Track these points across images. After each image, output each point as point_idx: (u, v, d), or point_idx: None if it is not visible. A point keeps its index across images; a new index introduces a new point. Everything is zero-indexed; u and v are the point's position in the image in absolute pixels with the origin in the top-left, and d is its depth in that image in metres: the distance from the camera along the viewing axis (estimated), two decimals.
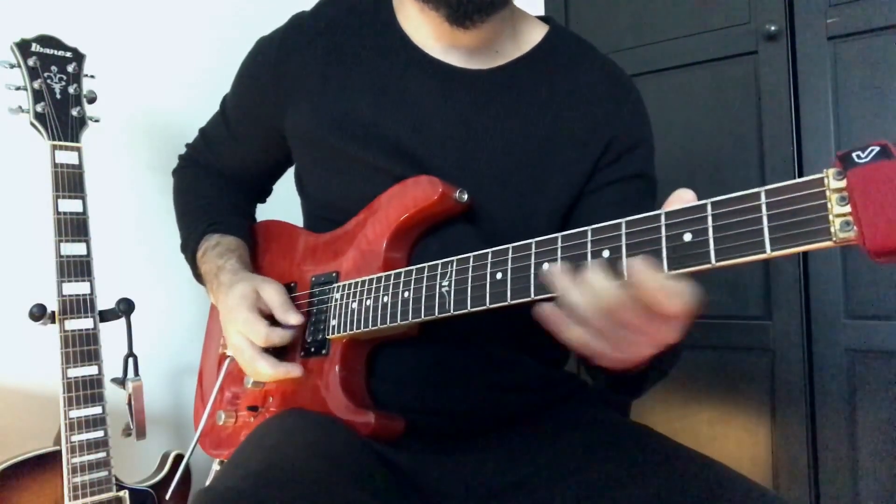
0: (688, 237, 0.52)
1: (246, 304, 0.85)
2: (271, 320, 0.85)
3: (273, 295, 0.86)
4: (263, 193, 1.16)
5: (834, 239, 0.45)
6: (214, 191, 1.07)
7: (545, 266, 0.59)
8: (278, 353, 0.86)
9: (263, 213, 1.14)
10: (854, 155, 0.45)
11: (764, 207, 0.49)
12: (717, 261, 0.50)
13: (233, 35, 1.54)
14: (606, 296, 0.52)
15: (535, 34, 0.92)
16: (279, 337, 0.83)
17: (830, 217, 0.45)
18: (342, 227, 0.89)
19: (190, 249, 1.02)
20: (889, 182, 0.43)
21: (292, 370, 0.83)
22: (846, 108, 1.37)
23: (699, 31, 1.54)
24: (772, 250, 0.48)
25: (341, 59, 0.89)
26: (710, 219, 0.51)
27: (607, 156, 0.87)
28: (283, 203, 1.14)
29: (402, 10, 0.91)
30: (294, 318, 0.84)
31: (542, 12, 1.74)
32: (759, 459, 1.45)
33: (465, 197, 0.79)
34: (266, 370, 0.83)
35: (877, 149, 0.44)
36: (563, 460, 0.76)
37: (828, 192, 0.46)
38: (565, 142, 0.86)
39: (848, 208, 0.44)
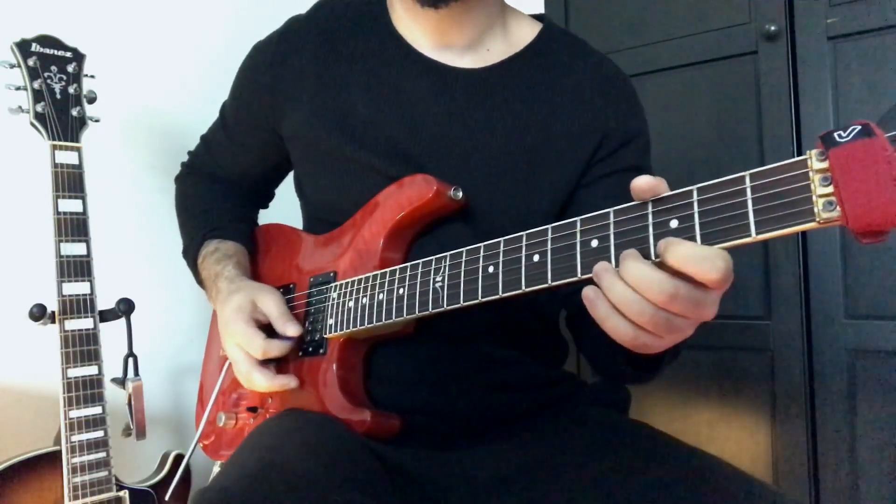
0: (674, 224, 0.52)
1: (242, 316, 0.85)
2: (268, 330, 0.85)
3: (271, 305, 0.85)
4: (265, 198, 1.16)
5: (818, 220, 0.45)
6: (215, 197, 1.08)
7: (596, 266, 0.55)
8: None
9: (265, 216, 1.15)
10: (836, 134, 0.45)
11: (748, 191, 0.49)
12: (705, 246, 0.50)
13: (232, 35, 1.55)
14: (651, 285, 0.50)
15: (527, 33, 0.92)
16: (277, 349, 0.83)
17: (814, 198, 0.45)
18: (340, 228, 0.89)
19: (191, 256, 1.03)
20: (869, 160, 0.43)
21: (288, 382, 0.83)
22: (846, 108, 1.37)
23: (699, 31, 1.54)
24: (757, 233, 0.48)
25: (337, 61, 0.89)
26: (695, 204, 0.51)
27: (602, 150, 0.87)
28: (284, 206, 1.14)
29: (394, 10, 0.91)
30: (292, 330, 0.83)
31: (541, 12, 1.75)
32: (759, 459, 1.45)
33: (460, 195, 0.80)
34: (262, 383, 0.83)
35: (858, 128, 0.44)
36: (560, 458, 0.76)
37: (811, 173, 0.46)
38: (560, 138, 0.86)
39: (831, 188, 0.44)
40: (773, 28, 1.41)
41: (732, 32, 1.49)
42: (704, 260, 0.49)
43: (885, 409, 1.32)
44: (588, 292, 0.55)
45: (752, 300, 1.46)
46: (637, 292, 0.51)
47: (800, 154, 1.46)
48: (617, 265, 0.54)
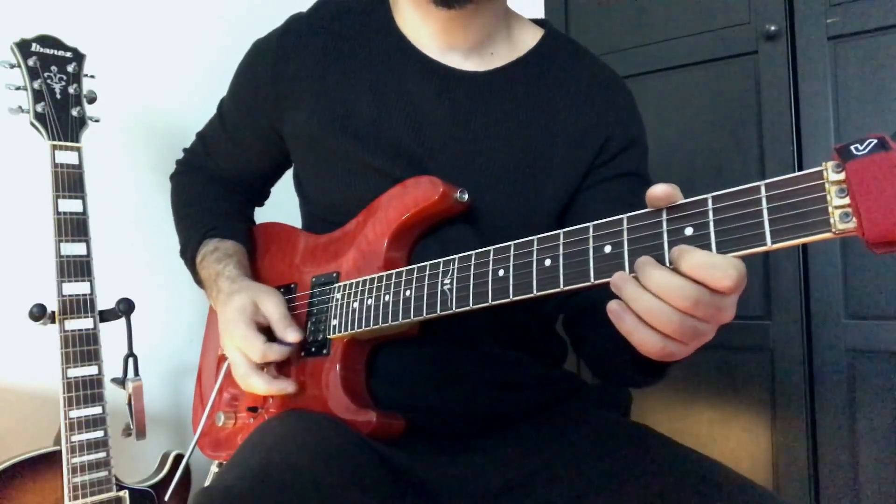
0: (689, 231, 0.53)
1: (244, 318, 0.84)
2: (269, 332, 0.85)
3: (272, 308, 0.85)
4: (262, 196, 1.16)
5: (833, 230, 0.46)
6: (212, 195, 1.07)
7: (614, 276, 0.55)
8: None
9: (262, 215, 1.14)
10: (852, 147, 0.46)
11: (764, 201, 0.49)
12: (718, 254, 0.51)
13: (232, 35, 1.54)
14: (673, 290, 0.50)
15: (530, 38, 0.93)
16: (276, 353, 0.83)
17: (830, 209, 0.46)
18: (342, 228, 0.89)
19: (189, 255, 1.02)
20: (887, 173, 0.44)
21: (286, 387, 0.82)
22: (846, 108, 1.37)
23: (699, 31, 1.54)
24: (772, 243, 0.48)
25: (339, 60, 0.89)
26: (710, 213, 0.52)
27: (603, 155, 0.88)
28: (282, 205, 1.14)
29: (398, 10, 0.91)
30: (292, 336, 0.83)
31: (542, 13, 1.75)
32: (759, 459, 1.45)
33: (466, 197, 0.80)
34: (260, 387, 0.83)
35: (874, 141, 0.45)
36: (562, 460, 0.76)
37: (827, 185, 0.46)
38: (561, 143, 0.87)
39: (847, 200, 0.45)
40: (773, 28, 1.42)
41: (732, 32, 1.50)
42: (717, 268, 0.49)
43: (886, 409, 1.32)
44: (613, 306, 0.55)
45: (752, 300, 1.46)
46: (662, 300, 0.51)
47: (800, 154, 1.47)
48: (631, 271, 0.54)
